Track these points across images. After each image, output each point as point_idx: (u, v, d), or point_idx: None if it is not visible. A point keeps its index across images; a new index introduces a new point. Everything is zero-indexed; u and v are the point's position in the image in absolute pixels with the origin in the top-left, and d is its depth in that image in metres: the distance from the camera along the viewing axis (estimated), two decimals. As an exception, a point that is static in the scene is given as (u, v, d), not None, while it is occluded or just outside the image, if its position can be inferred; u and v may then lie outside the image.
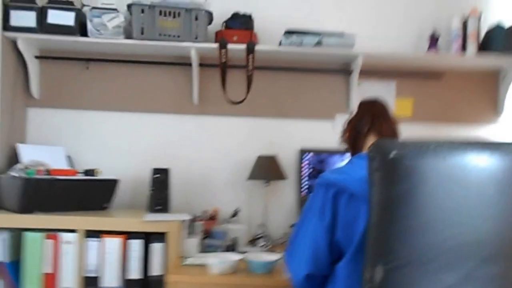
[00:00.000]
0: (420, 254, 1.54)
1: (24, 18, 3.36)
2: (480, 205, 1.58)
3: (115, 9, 3.47)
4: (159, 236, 3.02)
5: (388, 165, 1.57)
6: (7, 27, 3.35)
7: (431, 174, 1.54)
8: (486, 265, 1.60)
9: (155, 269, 3.01)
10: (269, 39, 3.74)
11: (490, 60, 3.69)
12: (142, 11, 3.42)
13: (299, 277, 2.10)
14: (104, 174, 3.42)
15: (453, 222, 1.56)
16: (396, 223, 1.54)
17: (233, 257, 2.86)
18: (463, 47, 3.67)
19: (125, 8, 3.49)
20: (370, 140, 2.27)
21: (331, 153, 3.70)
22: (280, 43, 3.58)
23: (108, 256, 2.99)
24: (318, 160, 3.70)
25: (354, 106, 3.70)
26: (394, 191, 1.56)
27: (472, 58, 3.67)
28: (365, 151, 2.25)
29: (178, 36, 3.46)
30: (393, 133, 2.32)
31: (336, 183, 2.01)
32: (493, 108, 3.94)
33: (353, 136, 2.37)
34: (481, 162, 1.58)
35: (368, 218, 1.67)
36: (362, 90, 3.75)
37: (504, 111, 3.92)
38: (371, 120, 2.32)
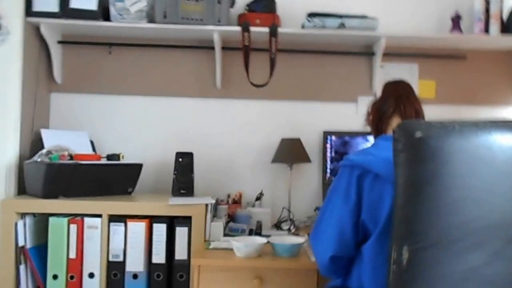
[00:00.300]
0: (446, 234, 1.53)
1: (46, 3, 3.37)
2: (506, 184, 1.57)
3: (137, -7, 3.46)
4: (184, 220, 3.03)
5: (414, 146, 1.56)
6: (29, 12, 3.36)
7: (456, 154, 1.53)
8: (513, 244, 1.59)
9: (180, 253, 3.01)
10: (291, 22, 3.72)
11: (514, 41, 3.66)
12: (165, -5, 3.41)
13: (324, 259, 2.11)
14: (128, 158, 3.44)
15: (479, 202, 1.55)
16: (422, 204, 1.53)
17: (258, 240, 2.85)
18: (486, 28, 3.64)
19: (148, -8, 3.49)
20: (395, 121, 2.27)
21: (355, 135, 3.69)
22: (302, 26, 3.56)
23: (132, 241, 3.00)
24: (341, 143, 3.69)
25: (376, 88, 3.69)
26: (420, 171, 1.54)
27: (495, 39, 3.64)
28: (389, 133, 2.25)
29: (201, 20, 3.45)
30: (418, 114, 2.31)
31: (360, 164, 2.01)
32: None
33: (378, 118, 2.36)
34: (506, 142, 1.57)
35: (393, 199, 1.65)
36: (384, 72, 3.74)
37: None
38: (395, 102, 2.31)
